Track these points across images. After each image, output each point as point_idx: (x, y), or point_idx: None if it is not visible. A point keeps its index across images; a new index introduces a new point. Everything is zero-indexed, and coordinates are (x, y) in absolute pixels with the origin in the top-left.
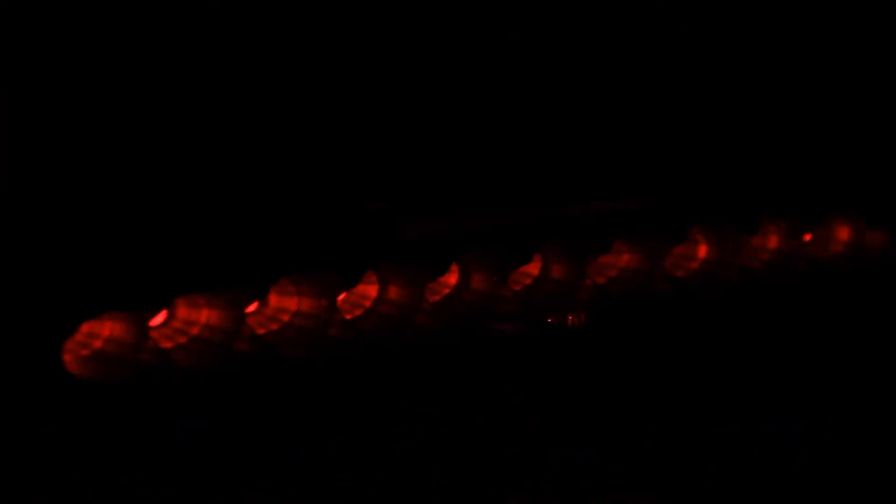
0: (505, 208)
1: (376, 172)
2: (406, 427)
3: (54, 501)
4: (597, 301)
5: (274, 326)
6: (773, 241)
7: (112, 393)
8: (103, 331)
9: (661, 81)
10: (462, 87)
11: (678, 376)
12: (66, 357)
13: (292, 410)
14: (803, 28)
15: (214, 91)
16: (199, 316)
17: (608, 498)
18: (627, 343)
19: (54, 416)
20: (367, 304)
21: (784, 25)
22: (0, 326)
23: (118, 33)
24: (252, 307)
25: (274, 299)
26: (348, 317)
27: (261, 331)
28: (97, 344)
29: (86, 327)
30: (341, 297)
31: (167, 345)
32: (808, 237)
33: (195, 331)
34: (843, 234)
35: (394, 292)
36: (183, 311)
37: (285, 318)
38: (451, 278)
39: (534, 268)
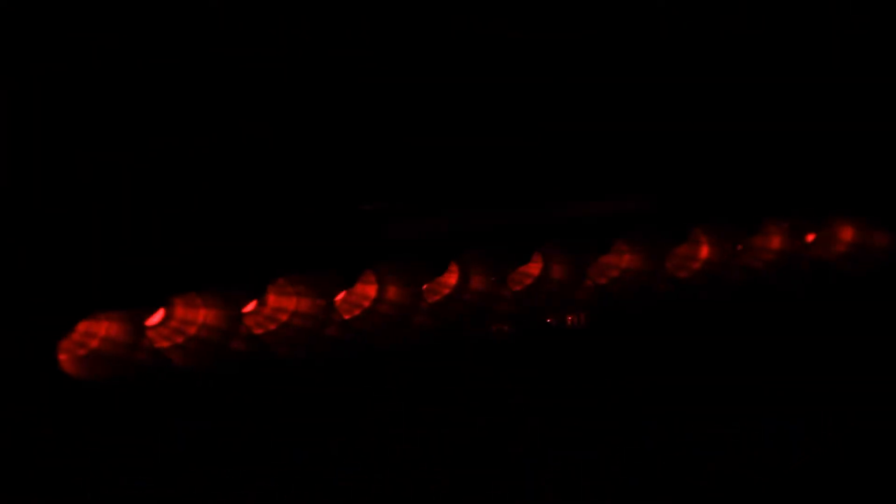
0: (504, 208)
1: (375, 172)
2: (406, 427)
3: (50, 501)
4: (597, 301)
5: (272, 326)
6: (775, 242)
7: (109, 392)
8: (100, 330)
9: (661, 81)
10: (462, 87)
11: (678, 376)
12: (63, 357)
13: (292, 411)
14: (805, 28)
15: (210, 91)
16: (196, 316)
17: (608, 498)
18: (627, 343)
19: (50, 415)
20: (366, 304)
21: (785, 25)
22: None
23: (118, 33)
24: (250, 307)
25: (272, 299)
26: (347, 317)
27: (258, 331)
28: (94, 343)
29: (82, 327)
30: (340, 297)
31: (164, 344)
32: (810, 238)
33: (192, 330)
34: (847, 234)
35: (392, 292)
36: (180, 311)
37: (283, 318)
38: (451, 279)
39: (534, 268)
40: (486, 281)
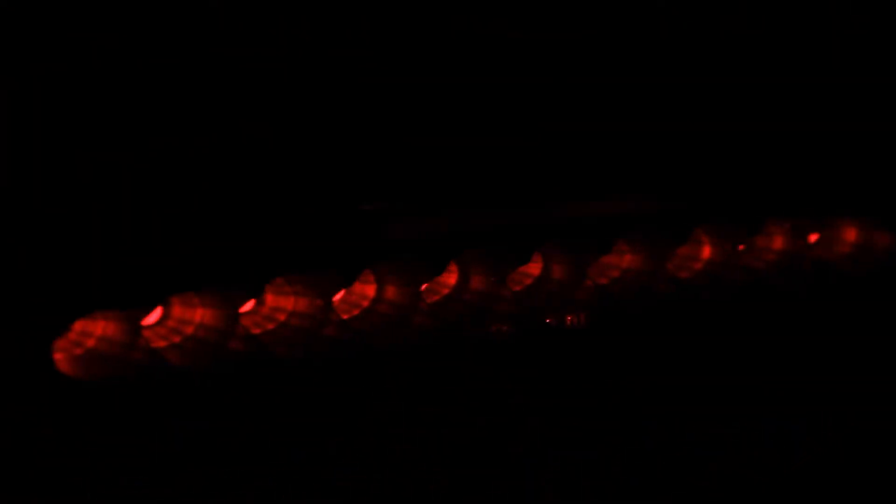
0: (504, 208)
1: (374, 172)
2: (406, 427)
3: (46, 500)
4: (598, 302)
5: (270, 326)
6: (777, 242)
7: (105, 392)
8: (96, 330)
9: (662, 81)
10: (462, 87)
11: (678, 376)
12: (59, 356)
13: (290, 411)
14: (805, 28)
15: (207, 91)
16: (193, 315)
17: (608, 498)
18: (628, 343)
19: (46, 414)
20: (365, 304)
21: (785, 25)
22: None
23: (118, 33)
24: (248, 307)
25: (270, 299)
26: (345, 317)
27: (256, 330)
28: (90, 343)
29: (79, 326)
30: (339, 297)
31: (161, 344)
32: (812, 238)
33: (189, 330)
34: (848, 235)
35: (391, 292)
36: (177, 311)
37: (281, 317)
38: (450, 279)
39: (534, 268)
40: (485, 281)
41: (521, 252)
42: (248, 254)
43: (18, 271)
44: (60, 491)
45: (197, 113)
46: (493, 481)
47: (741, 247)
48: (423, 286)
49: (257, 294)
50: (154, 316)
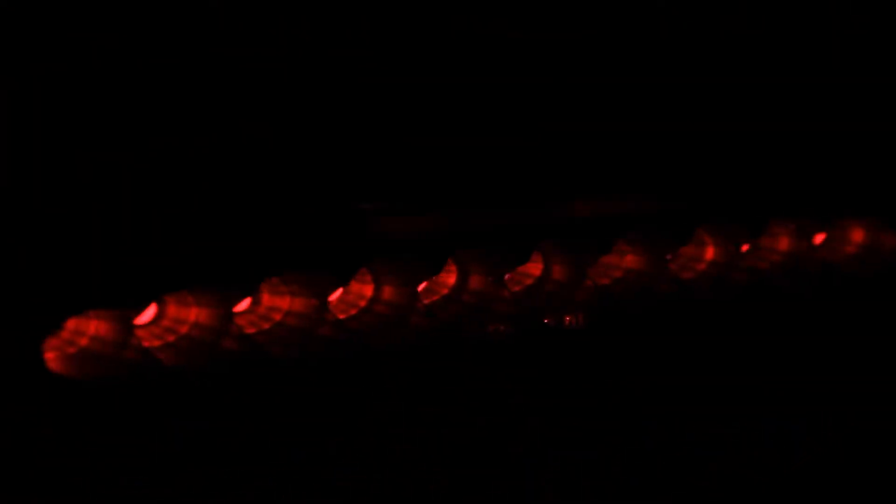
0: (503, 208)
1: (374, 172)
2: (405, 427)
3: (38, 500)
4: (599, 302)
5: (265, 326)
6: (783, 243)
7: (98, 391)
8: (89, 329)
9: (662, 81)
10: (462, 87)
11: (678, 376)
12: (51, 355)
13: (287, 411)
14: (807, 28)
15: (202, 91)
16: (188, 314)
17: (608, 498)
18: (628, 343)
19: (36, 414)
20: (362, 303)
21: (786, 25)
22: None
23: (118, 33)
24: (243, 307)
25: (266, 299)
26: (342, 316)
27: (252, 330)
28: (83, 342)
29: (71, 325)
30: (336, 297)
31: (155, 343)
32: (819, 239)
33: (184, 329)
34: (853, 236)
35: (389, 292)
36: (172, 310)
37: (277, 317)
38: (449, 278)
39: (534, 268)
40: (484, 281)
41: (520, 252)
42: (244, 253)
43: (10, 269)
44: (51, 490)
45: (192, 112)
46: (493, 481)
47: (745, 248)
48: (422, 286)
49: (253, 293)
50: (148, 315)
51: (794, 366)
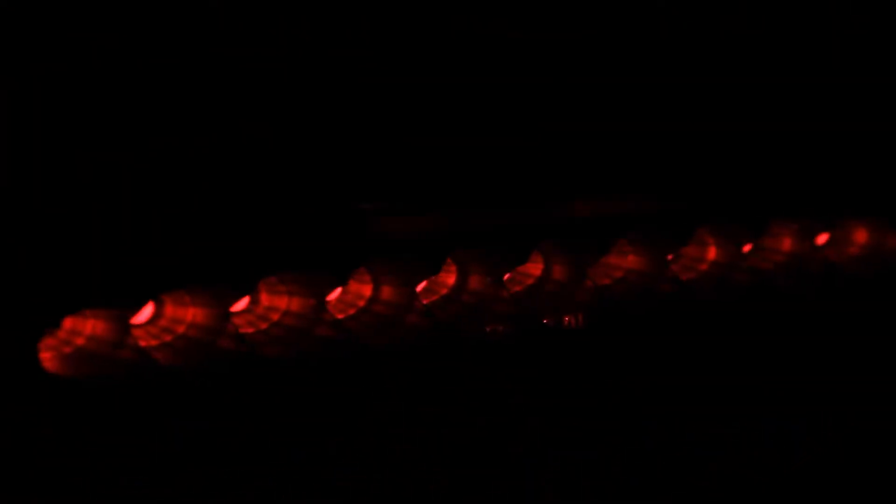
0: (503, 208)
1: (374, 172)
2: (406, 427)
3: (33, 500)
4: (599, 302)
5: (263, 326)
6: (785, 244)
7: (95, 391)
8: (86, 328)
9: (662, 81)
10: (462, 87)
11: (678, 376)
12: (48, 354)
13: (286, 412)
14: (808, 28)
15: (200, 91)
16: (185, 314)
17: (608, 498)
18: (628, 343)
19: (32, 413)
20: (361, 303)
21: (787, 25)
22: None
23: (118, 33)
24: (241, 306)
25: (264, 298)
26: (341, 316)
27: (250, 330)
28: (79, 341)
29: (68, 324)
30: (335, 297)
31: (152, 343)
32: (821, 240)
33: (181, 329)
34: (856, 236)
35: (388, 292)
36: (169, 310)
37: (275, 317)
38: (448, 278)
39: (534, 268)
40: (483, 281)
41: (520, 252)
42: (243, 253)
43: (7, 268)
44: (46, 490)
45: (192, 112)
46: (493, 481)
47: (747, 248)
48: (421, 286)
49: (250, 293)
50: (144, 315)
51: (794, 366)
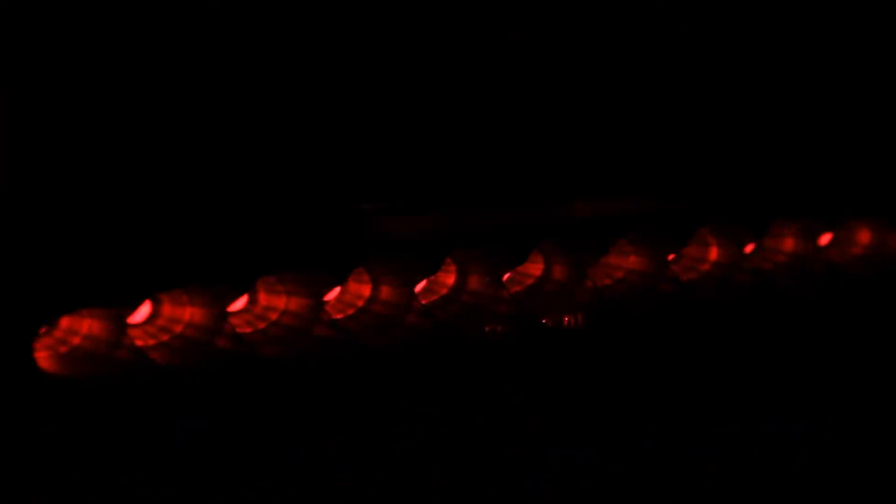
0: (503, 208)
1: (373, 171)
2: (405, 427)
3: (29, 499)
4: (599, 302)
5: (261, 325)
6: (788, 244)
7: (91, 391)
8: (82, 328)
9: (662, 81)
10: (461, 87)
11: (678, 376)
12: (44, 354)
13: (287, 412)
14: (808, 28)
15: (199, 91)
16: (182, 314)
17: (608, 498)
18: (629, 343)
19: (27, 413)
20: (360, 303)
21: (788, 25)
22: None
23: (118, 33)
24: (240, 306)
25: (262, 298)
26: (340, 316)
27: (248, 329)
28: (76, 340)
29: (65, 323)
30: (334, 297)
31: (150, 342)
32: (824, 240)
33: (178, 329)
34: (858, 236)
35: (387, 292)
36: (167, 309)
37: (273, 317)
38: (448, 278)
39: (534, 269)
40: (483, 281)
41: (519, 252)
42: (241, 252)
43: (4, 267)
44: (42, 489)
45: (191, 112)
46: (493, 481)
47: (749, 248)
48: (421, 286)
49: (249, 293)
50: (141, 314)
51: (795, 366)
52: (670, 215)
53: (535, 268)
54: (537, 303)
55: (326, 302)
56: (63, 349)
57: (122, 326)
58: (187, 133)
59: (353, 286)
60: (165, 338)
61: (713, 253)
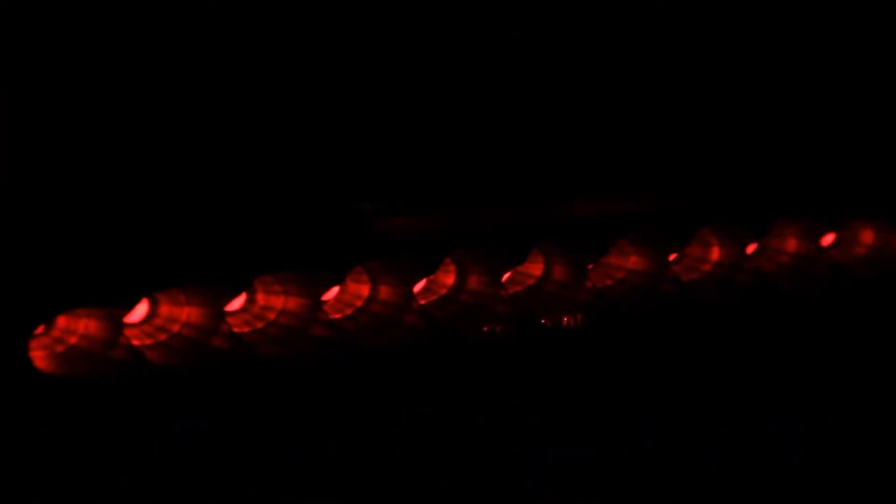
0: (502, 208)
1: (373, 171)
2: (405, 427)
3: (25, 499)
4: (600, 303)
5: (259, 325)
6: (790, 245)
7: (88, 391)
8: (79, 327)
9: (662, 81)
10: (461, 87)
11: (678, 376)
12: (40, 353)
13: (286, 412)
14: (809, 28)
15: (205, 92)
16: (179, 313)
17: (608, 498)
18: (628, 343)
19: (23, 413)
20: (359, 303)
21: (788, 25)
22: None
23: (118, 33)
24: (238, 306)
25: (260, 298)
26: (338, 316)
27: (245, 329)
28: (72, 340)
29: (61, 322)
30: (332, 297)
31: (147, 342)
32: (827, 241)
33: (175, 328)
34: (861, 237)
35: (386, 292)
36: (164, 309)
37: (271, 316)
38: (447, 278)
39: (535, 269)
40: (482, 281)
41: (519, 252)
42: (239, 252)
43: (1, 266)
44: (38, 488)
45: (191, 112)
46: (493, 481)
47: (751, 248)
48: (419, 286)
49: (246, 292)
50: (139, 314)
51: (795, 366)
52: (671, 215)
53: (534, 268)
54: (537, 303)
55: (325, 302)
56: (59, 349)
57: (118, 326)
58: (186, 133)
59: (351, 286)
60: (163, 337)
61: (714, 253)
